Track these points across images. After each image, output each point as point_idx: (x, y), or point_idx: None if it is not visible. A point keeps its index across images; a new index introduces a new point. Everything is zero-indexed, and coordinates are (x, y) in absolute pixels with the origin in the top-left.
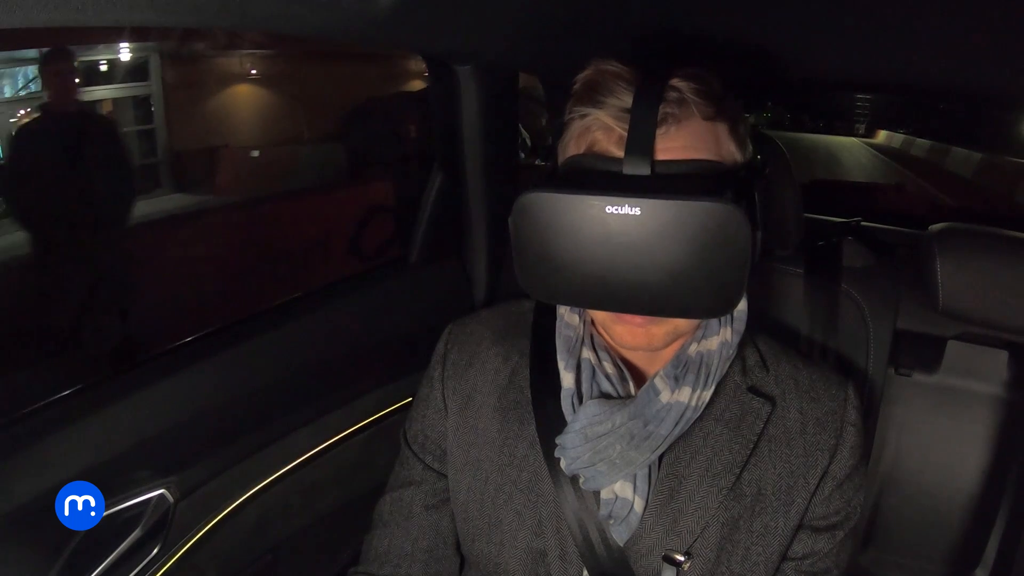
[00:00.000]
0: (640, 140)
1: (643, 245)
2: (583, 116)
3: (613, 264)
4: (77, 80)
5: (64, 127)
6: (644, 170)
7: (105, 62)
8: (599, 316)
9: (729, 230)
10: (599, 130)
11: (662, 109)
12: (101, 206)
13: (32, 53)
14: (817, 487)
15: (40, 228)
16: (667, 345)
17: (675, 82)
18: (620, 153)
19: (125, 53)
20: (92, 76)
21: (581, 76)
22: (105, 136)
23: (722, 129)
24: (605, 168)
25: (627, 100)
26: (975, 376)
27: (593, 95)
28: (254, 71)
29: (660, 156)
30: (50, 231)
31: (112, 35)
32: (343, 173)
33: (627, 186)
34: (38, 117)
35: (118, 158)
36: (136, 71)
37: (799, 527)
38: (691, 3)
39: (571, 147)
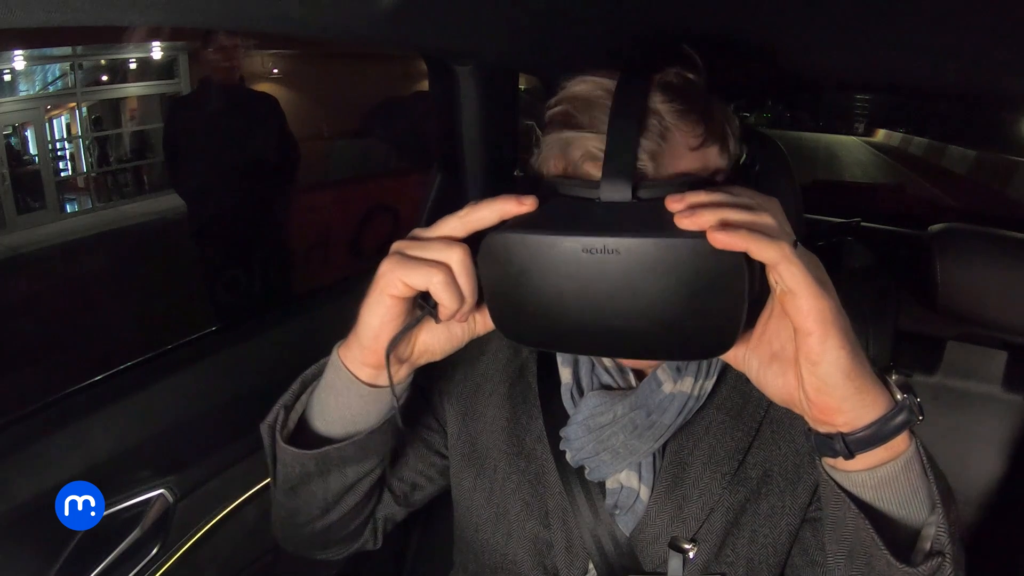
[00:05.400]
0: (619, 162)
1: (625, 286)
2: (558, 137)
3: (593, 308)
4: (239, 57)
5: (229, 98)
6: (624, 195)
7: (135, 61)
8: None
9: (721, 266)
10: (576, 151)
11: (642, 142)
12: (269, 171)
13: (55, 51)
14: None
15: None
16: None
17: (657, 103)
18: (597, 174)
19: (156, 52)
20: (124, 73)
21: (554, 102)
22: (268, 108)
23: (711, 152)
24: (581, 194)
25: (605, 117)
26: (974, 377)
27: (568, 118)
28: (276, 70)
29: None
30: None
31: (122, 35)
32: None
33: (605, 218)
34: (201, 89)
35: (282, 127)
36: (165, 69)
37: (808, 505)
38: (691, 3)
39: (544, 169)
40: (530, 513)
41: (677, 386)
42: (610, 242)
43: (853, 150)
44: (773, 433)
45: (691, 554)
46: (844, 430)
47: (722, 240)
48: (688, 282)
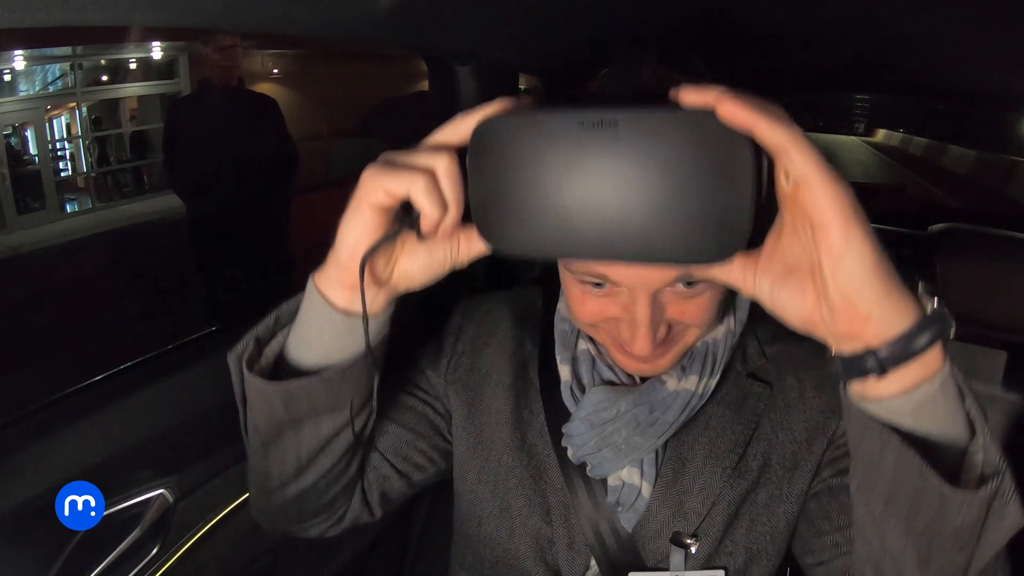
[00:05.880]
0: (623, 74)
1: (624, 167)
2: None
3: (589, 196)
4: (239, 57)
5: (229, 100)
6: (626, 90)
7: (135, 61)
8: (600, 336)
9: (728, 148)
10: None
11: None
12: (268, 172)
13: (55, 51)
14: (825, 451)
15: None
16: (676, 363)
17: None
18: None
19: (156, 52)
20: (124, 74)
21: None
22: (267, 110)
23: None
24: (583, 90)
25: None
26: (974, 376)
27: None
28: (276, 70)
29: None
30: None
31: (122, 35)
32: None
33: (606, 100)
34: (201, 90)
35: (280, 129)
36: (165, 69)
37: (807, 492)
38: (692, 4)
39: None
40: (532, 509)
41: (681, 383)
42: (608, 114)
43: (853, 150)
44: (772, 424)
45: (693, 549)
46: (874, 343)
47: (730, 110)
48: (692, 165)
